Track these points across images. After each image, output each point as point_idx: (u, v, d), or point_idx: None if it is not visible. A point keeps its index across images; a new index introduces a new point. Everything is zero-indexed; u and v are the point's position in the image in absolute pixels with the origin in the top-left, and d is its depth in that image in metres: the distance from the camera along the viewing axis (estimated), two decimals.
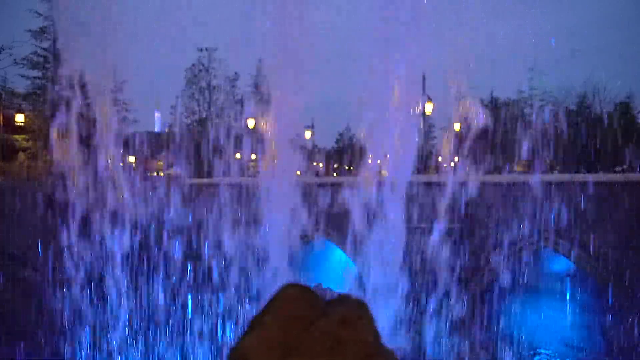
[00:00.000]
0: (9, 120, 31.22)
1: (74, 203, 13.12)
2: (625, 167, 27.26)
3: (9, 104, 33.57)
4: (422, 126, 25.76)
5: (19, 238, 18.58)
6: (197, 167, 25.36)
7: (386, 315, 10.07)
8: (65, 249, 14.17)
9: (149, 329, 14.51)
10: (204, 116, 42.31)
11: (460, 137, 13.45)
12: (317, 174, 38.64)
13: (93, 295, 14.51)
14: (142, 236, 14.86)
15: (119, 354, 13.62)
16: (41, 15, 33.09)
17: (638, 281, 13.47)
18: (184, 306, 15.82)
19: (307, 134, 39.37)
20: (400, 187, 10.98)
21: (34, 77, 33.96)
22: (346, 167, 45.54)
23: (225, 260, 14.87)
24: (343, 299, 0.59)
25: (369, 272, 11.25)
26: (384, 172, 11.31)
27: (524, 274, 15.46)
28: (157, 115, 68.08)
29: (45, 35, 33.27)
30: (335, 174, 48.66)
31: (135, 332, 14.16)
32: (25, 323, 15.90)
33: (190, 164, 23.57)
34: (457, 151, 13.37)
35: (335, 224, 17.20)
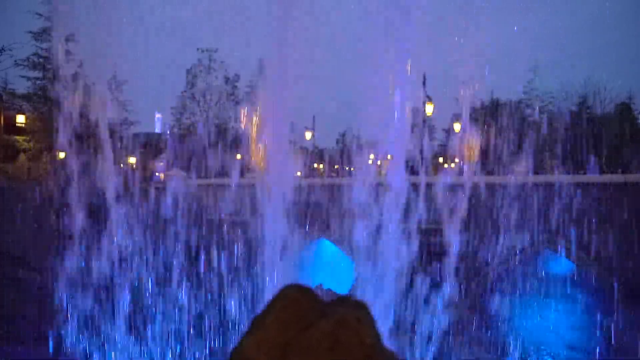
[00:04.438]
0: (10, 121, 31.24)
1: (74, 204, 13.12)
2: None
3: (10, 105, 33.59)
4: (422, 127, 25.75)
5: (19, 238, 18.57)
6: (198, 169, 25.38)
7: (385, 315, 10.06)
8: (65, 250, 14.17)
9: (149, 327, 14.50)
10: (205, 117, 42.29)
11: (461, 139, 13.46)
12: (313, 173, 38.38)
13: (93, 296, 14.49)
14: (144, 236, 14.86)
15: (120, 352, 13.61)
16: (42, 16, 33.10)
17: (639, 282, 13.46)
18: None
19: (308, 135, 39.27)
20: (399, 187, 10.98)
21: (35, 78, 33.94)
22: (346, 168, 45.47)
23: (225, 260, 14.88)
24: (343, 300, 0.59)
25: (369, 272, 11.25)
26: (383, 173, 11.31)
27: (524, 275, 15.45)
28: (157, 116, 67.86)
29: (46, 36, 33.26)
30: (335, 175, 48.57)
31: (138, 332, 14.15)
32: (25, 324, 15.88)
33: (190, 165, 23.58)
34: (458, 152, 13.38)
35: (336, 224, 17.20)
